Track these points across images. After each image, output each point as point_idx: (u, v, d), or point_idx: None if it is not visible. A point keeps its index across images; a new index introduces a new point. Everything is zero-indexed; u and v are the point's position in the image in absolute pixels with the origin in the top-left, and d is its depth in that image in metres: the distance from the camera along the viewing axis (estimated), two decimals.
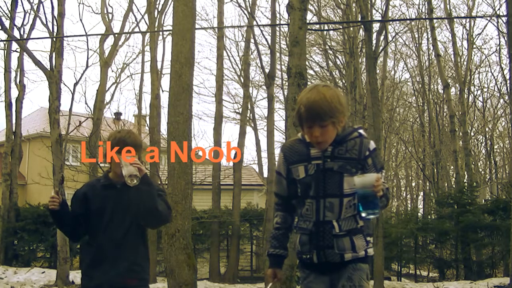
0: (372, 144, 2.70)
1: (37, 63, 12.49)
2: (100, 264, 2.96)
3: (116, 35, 18.10)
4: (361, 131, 2.71)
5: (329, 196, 2.63)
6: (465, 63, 23.07)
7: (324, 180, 2.64)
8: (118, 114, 25.62)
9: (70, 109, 15.57)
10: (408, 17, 22.81)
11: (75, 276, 11.90)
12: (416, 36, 24.70)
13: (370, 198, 2.50)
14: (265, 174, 20.54)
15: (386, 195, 2.61)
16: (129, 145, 2.98)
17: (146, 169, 14.44)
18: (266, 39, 16.98)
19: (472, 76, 25.33)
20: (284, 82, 20.35)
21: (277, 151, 25.48)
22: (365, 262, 2.72)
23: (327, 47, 22.46)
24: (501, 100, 27.15)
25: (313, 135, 2.58)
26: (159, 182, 12.27)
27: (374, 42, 12.60)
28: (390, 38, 20.28)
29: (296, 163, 2.70)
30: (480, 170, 30.72)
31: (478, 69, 26.38)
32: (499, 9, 21.11)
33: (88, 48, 17.70)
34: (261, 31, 19.52)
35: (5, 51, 16.56)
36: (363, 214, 2.55)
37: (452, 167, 23.85)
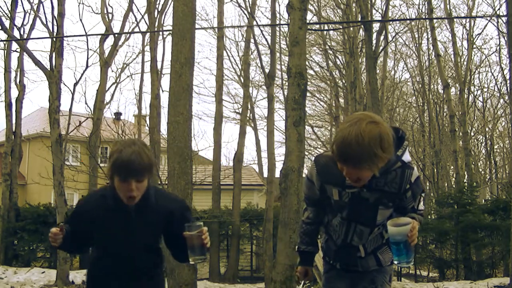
0: (415, 174, 2.44)
1: (37, 63, 12.48)
2: (115, 279, 2.72)
3: (116, 35, 18.10)
4: (405, 157, 2.39)
5: (361, 223, 2.54)
6: (465, 63, 23.07)
7: (359, 208, 2.50)
8: (118, 114, 25.64)
9: (70, 109, 15.59)
10: (408, 17, 22.83)
11: (75, 276, 11.90)
12: (416, 36, 24.73)
13: (403, 246, 2.34)
14: (265, 174, 20.53)
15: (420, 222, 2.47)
16: (134, 173, 2.44)
17: None
18: (266, 39, 17.00)
19: (472, 76, 25.35)
20: (284, 82, 20.36)
21: (277, 151, 25.44)
22: (390, 264, 2.70)
23: (327, 47, 22.47)
24: (501, 100, 27.17)
25: (346, 174, 2.31)
26: (159, 182, 12.27)
27: (374, 42, 12.62)
28: (390, 38, 20.29)
29: (330, 184, 2.52)
30: (480, 170, 30.71)
31: (478, 69, 26.40)
32: (499, 9, 21.13)
33: (88, 48, 17.68)
34: (261, 31, 19.58)
35: (5, 51, 16.54)
36: (396, 262, 2.40)
37: (452, 167, 23.85)
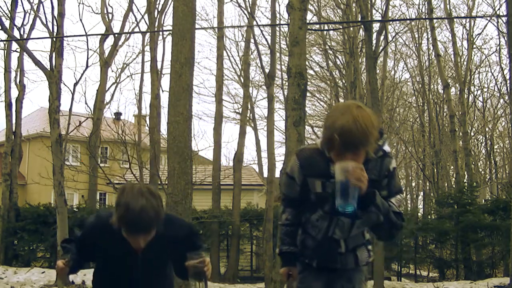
0: (393, 164, 2.53)
1: (37, 63, 12.48)
2: None
3: (116, 35, 18.11)
4: (385, 148, 2.50)
5: (342, 215, 2.53)
6: (465, 63, 23.07)
7: None
8: (118, 114, 25.66)
9: (70, 109, 15.59)
10: (408, 17, 22.82)
11: (75, 276, 11.90)
12: (416, 36, 24.73)
13: (341, 188, 2.30)
14: (265, 174, 20.52)
15: (390, 219, 2.45)
16: (143, 230, 2.39)
17: (146, 168, 14.32)
18: (266, 39, 16.98)
19: (472, 76, 25.35)
20: (284, 82, 20.36)
21: (277, 151, 25.48)
22: (366, 264, 2.72)
23: (327, 47, 22.46)
24: (501, 100, 27.17)
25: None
26: (159, 182, 12.26)
27: (374, 42, 12.60)
28: (390, 38, 20.29)
29: (313, 177, 2.54)
30: (480, 170, 30.71)
31: (478, 69, 26.40)
32: (499, 9, 21.13)
33: (88, 48, 17.66)
34: (261, 31, 19.54)
35: (5, 51, 16.55)
36: (338, 206, 2.35)
37: (452, 167, 23.85)
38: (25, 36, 15.78)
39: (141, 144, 16.42)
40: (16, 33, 15.43)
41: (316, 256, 2.65)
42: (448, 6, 19.81)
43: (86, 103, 33.48)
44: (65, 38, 14.00)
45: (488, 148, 28.84)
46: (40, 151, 17.94)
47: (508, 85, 20.87)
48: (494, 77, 33.67)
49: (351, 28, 18.69)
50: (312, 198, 2.59)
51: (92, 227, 2.65)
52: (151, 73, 16.29)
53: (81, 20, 35.23)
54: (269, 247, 13.45)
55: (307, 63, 12.21)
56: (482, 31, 41.91)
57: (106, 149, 22.98)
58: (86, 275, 10.72)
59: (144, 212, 2.32)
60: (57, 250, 11.91)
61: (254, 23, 16.92)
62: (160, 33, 18.12)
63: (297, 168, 2.58)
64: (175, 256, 2.64)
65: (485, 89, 28.04)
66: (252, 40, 17.46)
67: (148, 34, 17.94)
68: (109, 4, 37.69)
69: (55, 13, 12.81)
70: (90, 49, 30.65)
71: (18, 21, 16.12)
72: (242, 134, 16.97)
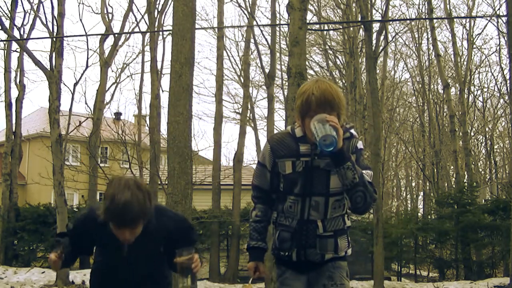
0: (360, 144, 2.64)
1: (37, 63, 12.49)
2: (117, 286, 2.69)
3: (116, 35, 18.10)
4: (352, 131, 2.64)
5: (315, 194, 2.57)
6: (465, 63, 23.07)
7: (311, 178, 2.57)
8: (118, 114, 25.66)
9: (70, 109, 15.58)
10: (408, 17, 22.83)
11: (75, 276, 11.90)
12: (416, 36, 24.72)
13: (324, 125, 2.39)
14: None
15: (364, 182, 2.49)
16: (128, 223, 2.38)
17: (146, 168, 14.30)
18: (266, 39, 17.00)
19: (472, 76, 25.34)
20: (284, 82, 20.36)
21: None
22: (344, 260, 2.72)
23: (327, 47, 22.47)
24: (501, 100, 27.16)
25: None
26: (159, 182, 12.26)
27: (374, 42, 12.60)
28: (390, 38, 20.28)
29: (283, 158, 2.60)
30: (480, 170, 30.71)
31: (478, 69, 26.39)
32: (499, 9, 21.14)
33: (88, 48, 17.67)
34: (261, 31, 19.58)
35: (5, 51, 16.56)
36: (319, 144, 2.40)
37: (452, 167, 23.84)
38: (25, 36, 15.79)
39: (141, 144, 16.43)
40: (16, 33, 15.44)
41: (295, 242, 2.65)
42: (448, 6, 19.82)
43: (86, 103, 33.49)
44: (65, 38, 14.00)
45: (488, 148, 28.84)
46: (40, 151, 17.95)
47: (508, 85, 20.87)
48: (494, 77, 33.73)
49: (351, 28, 18.70)
50: (281, 186, 2.63)
51: (84, 219, 2.66)
52: (151, 73, 16.28)
53: (81, 20, 35.25)
54: (269, 247, 13.44)
55: (307, 63, 12.22)
56: (482, 31, 42.00)
57: (106, 149, 22.98)
58: (86, 275, 10.74)
59: (128, 205, 2.31)
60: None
61: (254, 23, 16.92)
62: (160, 33, 18.11)
63: (268, 152, 2.65)
64: (167, 249, 2.63)
65: (485, 89, 28.06)
66: (252, 40, 17.46)
67: (148, 34, 17.93)
68: (109, 4, 37.69)
69: (55, 13, 12.83)
70: (90, 49, 30.70)
71: (18, 21, 16.16)
72: (242, 134, 16.96)
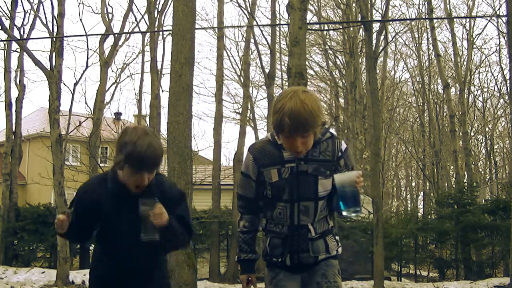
0: (344, 144, 2.65)
1: (37, 63, 12.49)
2: (113, 282, 2.66)
3: (116, 35, 18.10)
4: (332, 130, 2.68)
5: (303, 199, 2.58)
6: (465, 63, 23.07)
7: (298, 183, 2.57)
8: (118, 114, 25.65)
9: (70, 109, 15.57)
10: (408, 17, 22.84)
11: (75, 276, 11.90)
12: (416, 36, 24.74)
13: (352, 195, 2.45)
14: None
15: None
16: (149, 166, 2.45)
17: None
18: (266, 39, 17.01)
19: (472, 76, 25.35)
20: (284, 82, 20.36)
21: None
22: (335, 258, 2.74)
23: (327, 47, 22.48)
24: (501, 100, 27.16)
25: (294, 145, 2.48)
26: None
27: (374, 42, 12.60)
28: (390, 38, 20.28)
29: (268, 166, 2.59)
30: (480, 170, 30.72)
31: (478, 69, 26.40)
32: (499, 9, 21.13)
33: (88, 48, 17.66)
34: (261, 31, 19.59)
35: (5, 51, 16.55)
36: (345, 213, 2.50)
37: (452, 167, 23.84)
38: (25, 36, 15.78)
39: None
40: (16, 33, 15.44)
41: (288, 248, 2.64)
42: (448, 6, 19.82)
43: (86, 103, 33.53)
44: (65, 38, 14.01)
45: (488, 148, 28.85)
46: (40, 151, 17.96)
47: (508, 85, 20.87)
48: (494, 77, 33.76)
49: (351, 28, 18.70)
50: (269, 193, 2.62)
51: (87, 185, 2.71)
52: (151, 73, 16.30)
53: (81, 20, 35.28)
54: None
55: (307, 63, 12.20)
56: (482, 31, 41.97)
57: (106, 149, 22.96)
58: (85, 275, 10.74)
59: (152, 148, 2.40)
60: (57, 250, 11.92)
61: (254, 23, 16.93)
62: (160, 33, 18.13)
63: (251, 162, 2.63)
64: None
65: (485, 89, 28.08)
66: (252, 40, 17.47)
67: (148, 34, 17.95)
68: (109, 4, 37.72)
69: (55, 13, 12.83)
70: (90, 49, 30.74)
71: (18, 21, 16.15)
72: (242, 134, 16.97)
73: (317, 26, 19.97)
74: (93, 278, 2.77)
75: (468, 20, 22.42)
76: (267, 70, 16.37)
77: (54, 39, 12.60)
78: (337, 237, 2.74)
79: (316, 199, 2.59)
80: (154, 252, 2.67)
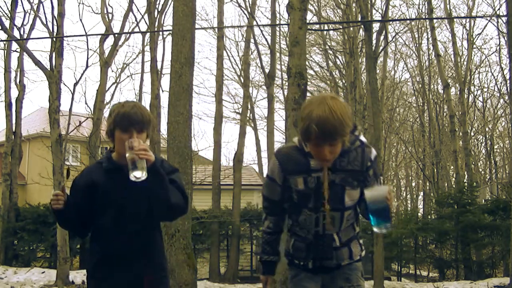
0: (374, 152, 2.58)
1: (37, 63, 12.49)
2: (111, 264, 2.64)
3: (116, 35, 18.09)
4: (362, 138, 2.55)
5: (330, 209, 2.53)
6: (465, 63, 23.08)
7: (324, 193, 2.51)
8: None
9: (70, 109, 15.56)
10: (408, 17, 22.84)
11: (75, 276, 11.91)
12: (416, 36, 24.75)
13: (383, 211, 2.40)
14: (265, 174, 20.52)
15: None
16: (136, 123, 2.54)
17: None
18: (266, 39, 17.03)
19: (472, 76, 25.37)
20: (284, 82, 20.38)
21: None
22: (359, 261, 2.72)
23: (327, 47, 22.47)
24: (501, 100, 27.19)
25: (321, 153, 2.39)
26: None
27: (374, 42, 12.61)
28: (390, 38, 20.29)
29: (293, 174, 2.53)
30: (480, 170, 30.73)
31: (478, 69, 26.43)
32: (499, 9, 21.14)
33: (88, 48, 17.67)
34: (261, 31, 19.61)
35: (5, 51, 16.56)
36: (376, 229, 2.46)
37: (452, 167, 23.85)
38: (25, 36, 15.79)
39: None
40: (16, 33, 15.45)
41: (312, 254, 2.63)
42: (448, 6, 19.83)
43: (86, 103, 33.45)
44: (65, 38, 14.00)
45: (488, 148, 28.86)
46: (40, 151, 17.94)
47: (508, 85, 20.88)
48: (494, 77, 33.76)
49: (351, 28, 18.69)
50: (295, 198, 2.57)
51: (83, 170, 2.86)
52: (151, 73, 16.29)
53: (81, 20, 35.23)
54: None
55: (307, 63, 12.21)
56: (482, 31, 41.97)
57: (106, 149, 22.90)
58: (85, 275, 10.73)
59: (137, 108, 2.59)
60: (57, 250, 11.91)
61: (254, 23, 16.94)
62: (160, 33, 18.12)
63: (277, 168, 2.57)
64: None
65: (485, 89, 28.09)
66: (252, 40, 17.49)
67: (148, 34, 17.94)
68: (109, 4, 37.75)
69: (55, 13, 12.83)
70: (90, 49, 30.75)
71: (18, 21, 16.17)
72: (242, 134, 16.97)
73: (317, 26, 19.97)
74: (88, 259, 2.82)
75: (468, 20, 22.44)
76: (267, 70, 16.39)
77: (54, 39, 12.61)
78: (360, 241, 2.71)
79: (343, 209, 2.54)
80: (151, 227, 2.69)
